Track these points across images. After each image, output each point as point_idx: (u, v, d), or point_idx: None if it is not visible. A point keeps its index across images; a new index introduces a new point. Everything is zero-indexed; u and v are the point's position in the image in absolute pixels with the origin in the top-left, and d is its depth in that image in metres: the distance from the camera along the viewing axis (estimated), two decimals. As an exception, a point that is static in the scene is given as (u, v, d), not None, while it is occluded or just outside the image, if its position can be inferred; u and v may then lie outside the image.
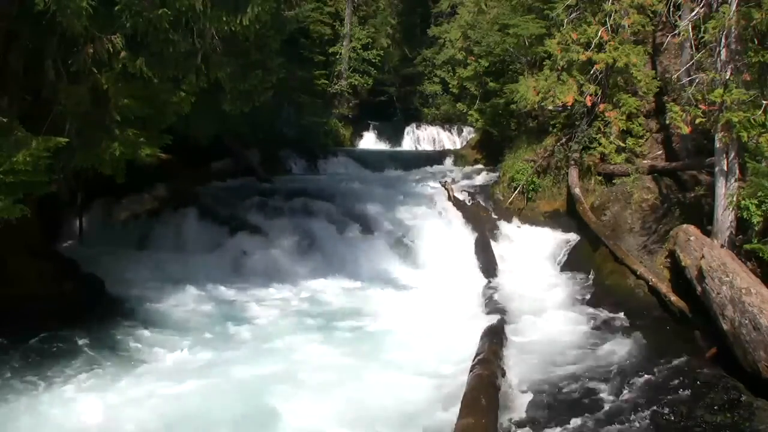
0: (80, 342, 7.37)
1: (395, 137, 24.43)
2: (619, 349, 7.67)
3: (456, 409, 5.63)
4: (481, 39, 17.62)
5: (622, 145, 11.93)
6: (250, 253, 11.00)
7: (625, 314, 8.74)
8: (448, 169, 19.07)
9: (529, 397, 6.42)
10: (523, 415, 6.05)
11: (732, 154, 7.86)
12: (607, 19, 11.62)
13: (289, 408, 6.07)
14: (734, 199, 7.62)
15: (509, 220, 12.95)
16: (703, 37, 8.18)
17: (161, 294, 9.25)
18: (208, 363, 7.14)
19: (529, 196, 13.18)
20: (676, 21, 10.26)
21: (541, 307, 9.39)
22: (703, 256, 7.42)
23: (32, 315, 7.60)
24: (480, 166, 18.67)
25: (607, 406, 6.24)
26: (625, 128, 11.99)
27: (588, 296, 9.65)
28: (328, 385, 6.56)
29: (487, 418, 5.49)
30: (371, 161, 19.43)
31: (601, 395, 6.50)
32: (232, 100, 9.10)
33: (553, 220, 12.49)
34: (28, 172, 6.03)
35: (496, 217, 13.13)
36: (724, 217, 7.97)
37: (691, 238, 8.14)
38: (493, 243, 11.92)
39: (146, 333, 7.93)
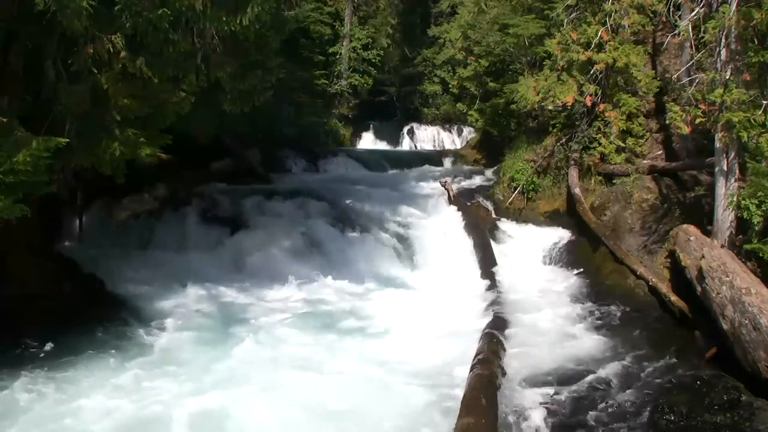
0: (80, 342, 7.36)
1: (395, 137, 24.45)
2: (619, 348, 7.67)
3: (456, 410, 5.63)
4: (481, 39, 17.63)
5: (622, 145, 11.92)
6: (250, 252, 10.99)
7: (625, 314, 8.74)
8: (447, 169, 19.09)
9: (529, 396, 6.42)
10: (523, 414, 6.04)
11: (732, 154, 7.86)
12: (607, 19, 11.62)
13: (288, 409, 6.07)
14: (734, 199, 7.62)
15: (509, 220, 12.95)
16: (703, 37, 8.19)
17: (161, 294, 9.25)
18: (207, 363, 7.14)
19: (529, 196, 13.18)
20: (676, 21, 10.27)
21: (540, 307, 9.38)
22: (703, 256, 7.42)
23: (32, 315, 7.60)
24: (480, 166, 18.69)
25: (606, 406, 6.23)
26: (625, 128, 11.98)
27: (588, 296, 9.64)
28: (326, 386, 6.56)
29: (487, 418, 5.49)
30: (371, 161, 19.43)
31: (601, 395, 6.50)
32: (232, 100, 9.10)
33: (553, 220, 12.48)
34: (28, 172, 6.03)
35: (496, 217, 13.14)
36: (724, 217, 7.97)
37: (691, 238, 8.14)
38: (493, 243, 11.91)
39: (146, 333, 7.93)
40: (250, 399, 6.23)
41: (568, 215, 12.16)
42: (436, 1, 26.16)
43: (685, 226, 8.62)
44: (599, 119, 12.21)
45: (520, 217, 13.01)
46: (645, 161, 11.54)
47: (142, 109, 7.46)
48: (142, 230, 11.42)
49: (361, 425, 5.82)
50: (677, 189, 10.59)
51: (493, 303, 9.34)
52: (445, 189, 14.08)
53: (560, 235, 11.91)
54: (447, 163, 20.23)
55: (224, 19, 7.32)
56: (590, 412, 6.12)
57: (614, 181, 11.55)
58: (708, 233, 8.25)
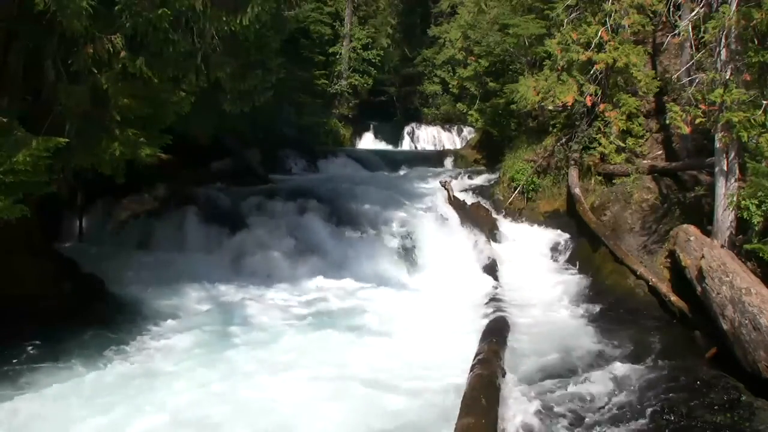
0: (80, 342, 7.36)
1: (395, 137, 24.47)
2: (619, 349, 7.67)
3: (456, 411, 5.62)
4: (481, 39, 17.64)
5: (622, 145, 11.93)
6: (250, 253, 10.99)
7: (624, 314, 8.74)
8: (447, 169, 19.09)
9: (528, 396, 6.42)
10: (523, 414, 6.04)
11: (732, 154, 7.86)
12: (607, 19, 11.63)
13: (288, 410, 6.07)
14: (734, 199, 7.62)
15: (509, 220, 12.96)
16: (703, 37, 8.19)
17: (161, 294, 9.24)
18: (207, 363, 7.13)
19: (529, 196, 13.19)
20: (676, 21, 10.27)
21: (540, 307, 9.39)
22: (703, 256, 7.42)
23: (32, 315, 7.59)
24: (480, 166, 18.70)
25: (606, 406, 6.23)
26: (625, 128, 11.99)
27: (588, 296, 9.64)
28: (326, 387, 6.55)
29: (487, 418, 5.48)
30: (371, 161, 19.44)
31: (601, 395, 6.49)
32: (232, 100, 9.10)
33: (553, 220, 12.49)
34: (28, 172, 6.02)
35: (496, 217, 13.14)
36: (724, 217, 7.97)
37: (691, 238, 8.14)
38: (493, 243, 11.92)
39: (146, 333, 7.92)
40: (249, 402, 6.22)
41: (568, 215, 12.17)
42: (436, 1, 26.18)
43: (685, 226, 8.62)
44: (599, 119, 12.21)
45: (520, 217, 13.03)
46: (645, 161, 11.55)
47: (142, 109, 7.44)
48: (142, 230, 11.42)
49: (359, 429, 5.81)
50: (677, 189, 10.59)
51: (493, 303, 9.35)
52: (445, 189, 14.08)
53: (560, 235, 11.92)
54: (447, 163, 20.24)
55: (224, 19, 7.32)
56: (590, 412, 6.12)
57: (614, 181, 11.56)
58: (708, 233, 8.25)
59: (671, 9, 10.65)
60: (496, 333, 7.77)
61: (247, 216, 12.02)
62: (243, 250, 11.07)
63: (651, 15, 12.00)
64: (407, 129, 24.72)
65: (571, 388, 6.64)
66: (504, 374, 6.67)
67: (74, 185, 9.32)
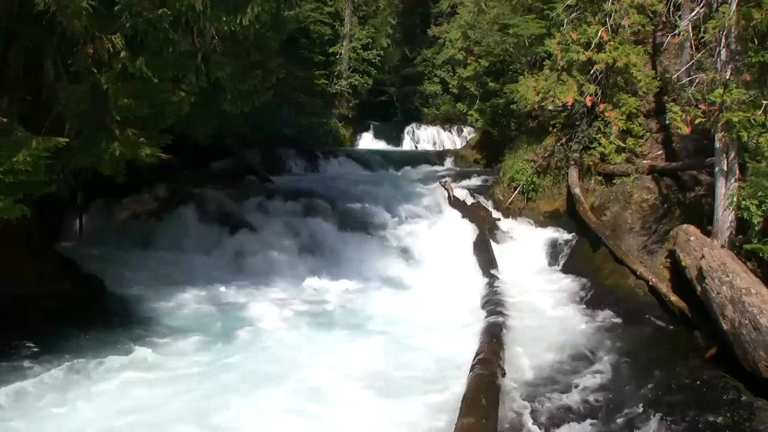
0: (80, 342, 7.37)
1: (395, 137, 24.49)
2: (619, 349, 7.67)
3: (456, 411, 5.62)
4: (481, 39, 17.67)
5: (622, 145, 11.92)
6: (250, 253, 11.00)
7: (625, 314, 8.73)
8: (448, 169, 19.11)
9: (528, 396, 6.42)
10: (523, 415, 6.04)
11: (732, 154, 7.85)
12: (607, 19, 11.62)
13: (287, 410, 6.07)
14: (734, 199, 7.61)
15: (509, 220, 12.96)
16: (703, 37, 8.18)
17: (161, 294, 9.25)
18: (206, 363, 7.13)
19: (529, 196, 13.19)
20: (676, 21, 10.26)
21: (540, 307, 9.39)
22: (703, 256, 7.42)
23: (32, 315, 7.60)
24: (480, 166, 18.71)
25: (606, 406, 6.24)
26: (625, 128, 11.98)
27: (588, 296, 9.64)
28: (326, 387, 6.55)
29: (488, 418, 5.48)
30: (371, 161, 19.47)
31: (600, 395, 6.49)
32: (232, 100, 9.10)
33: (553, 220, 12.48)
34: (28, 172, 6.03)
35: (496, 217, 13.14)
36: (724, 217, 7.97)
37: (691, 238, 8.14)
38: (492, 243, 11.92)
39: (146, 333, 7.93)
40: (249, 403, 6.22)
41: (568, 215, 12.16)
42: (436, 1, 26.18)
43: (685, 226, 8.62)
44: (599, 119, 12.20)
45: (520, 217, 13.02)
46: (645, 161, 11.54)
47: (142, 109, 7.45)
48: (142, 230, 11.44)
49: (357, 429, 5.81)
50: (677, 189, 10.59)
51: (493, 302, 9.34)
52: (445, 189, 14.08)
53: (560, 235, 11.91)
54: (447, 163, 20.28)
55: (224, 19, 7.33)
56: (589, 413, 6.12)
57: (614, 181, 11.55)
58: (708, 233, 8.25)
59: (671, 9, 10.65)
60: (496, 333, 7.77)
61: (247, 216, 12.04)
62: (243, 250, 11.08)
63: (651, 15, 11.99)
64: (407, 129, 24.73)
65: (571, 388, 6.64)
66: (504, 374, 6.68)
67: (74, 185, 9.33)
